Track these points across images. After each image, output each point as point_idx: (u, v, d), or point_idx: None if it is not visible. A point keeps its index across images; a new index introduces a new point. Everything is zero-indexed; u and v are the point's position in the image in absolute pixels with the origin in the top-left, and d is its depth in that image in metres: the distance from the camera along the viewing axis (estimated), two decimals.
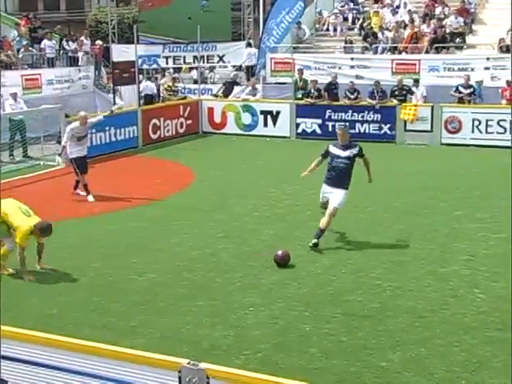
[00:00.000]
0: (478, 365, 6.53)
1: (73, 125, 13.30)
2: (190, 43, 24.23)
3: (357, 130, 19.74)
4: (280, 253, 9.29)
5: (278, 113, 20.64)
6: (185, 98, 22.72)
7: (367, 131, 19.69)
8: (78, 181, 13.35)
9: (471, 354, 6.71)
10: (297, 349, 6.89)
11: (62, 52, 24.42)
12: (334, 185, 10.07)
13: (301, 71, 21.36)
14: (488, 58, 20.92)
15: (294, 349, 6.89)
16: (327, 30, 25.77)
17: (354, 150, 10.19)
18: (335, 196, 10.01)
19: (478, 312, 7.72)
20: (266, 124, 20.79)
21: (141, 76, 22.61)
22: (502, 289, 8.34)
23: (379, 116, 19.60)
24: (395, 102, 19.55)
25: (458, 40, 22.69)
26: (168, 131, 20.36)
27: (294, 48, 22.50)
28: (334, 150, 10.19)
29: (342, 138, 10.23)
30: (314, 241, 9.82)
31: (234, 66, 25.46)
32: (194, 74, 26.02)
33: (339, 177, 10.06)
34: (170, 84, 22.27)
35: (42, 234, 8.79)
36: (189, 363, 3.96)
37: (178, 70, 25.75)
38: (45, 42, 23.78)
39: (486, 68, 20.68)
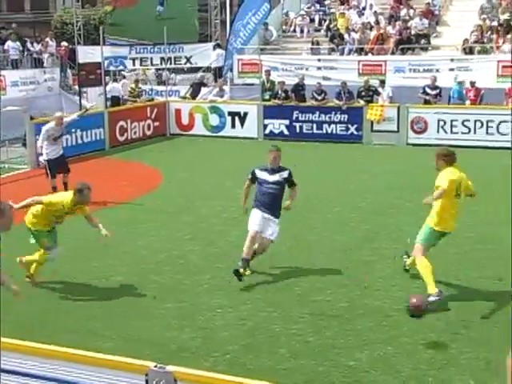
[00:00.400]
0: (444, 362, 6.61)
1: (48, 125, 13.20)
2: (156, 44, 24.13)
3: (324, 131, 19.90)
4: (414, 300, 7.55)
5: (245, 114, 20.67)
6: (152, 99, 22.64)
7: (334, 132, 19.83)
8: (65, 183, 13.24)
9: (438, 352, 6.78)
10: (265, 350, 6.90)
11: (26, 53, 24.14)
12: (270, 212, 8.97)
13: (268, 72, 21.42)
14: (452, 60, 21.24)
15: (263, 350, 6.90)
16: (294, 31, 25.89)
17: (284, 174, 9.09)
18: (272, 227, 8.98)
19: (444, 310, 7.81)
20: (233, 125, 20.81)
21: (107, 78, 22.46)
22: (467, 287, 8.45)
23: (346, 117, 19.74)
24: (362, 102, 19.70)
25: (422, 41, 22.98)
26: (135, 133, 20.25)
27: (261, 49, 22.56)
28: (261, 174, 9.11)
29: (273, 160, 9.06)
30: (248, 272, 8.74)
31: (198, 68, 25.36)
32: (151, 75, 26.06)
33: (271, 203, 8.99)
34: (133, 86, 22.20)
35: (80, 195, 8.32)
36: (156, 366, 3.95)
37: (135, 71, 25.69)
38: (8, 44, 23.48)
39: (451, 69, 20.98)
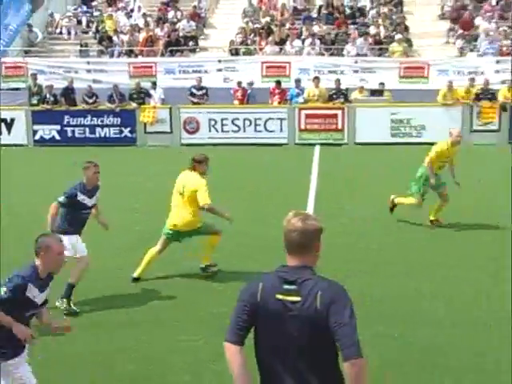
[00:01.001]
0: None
1: None
2: None
3: (97, 135, 19.59)
4: None
5: (12, 120, 19.68)
6: None
7: (108, 135, 19.60)
8: None
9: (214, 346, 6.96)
10: None
11: None
12: (81, 233, 8.25)
13: (34, 76, 20.60)
14: (220, 61, 21.95)
15: None
16: (60, 33, 25.13)
17: (98, 193, 8.30)
18: (82, 245, 8.19)
19: (216, 303, 8.03)
20: None
21: None
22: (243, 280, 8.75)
23: (119, 119, 19.60)
24: (134, 105, 19.67)
25: (191, 43, 23.48)
26: None
27: (26, 52, 21.67)
28: (81, 198, 8.00)
29: (95, 178, 8.11)
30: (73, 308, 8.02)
31: None
32: None
33: (83, 227, 8.25)
34: None
35: None
36: None
37: None
38: None
39: (219, 70, 21.68)
